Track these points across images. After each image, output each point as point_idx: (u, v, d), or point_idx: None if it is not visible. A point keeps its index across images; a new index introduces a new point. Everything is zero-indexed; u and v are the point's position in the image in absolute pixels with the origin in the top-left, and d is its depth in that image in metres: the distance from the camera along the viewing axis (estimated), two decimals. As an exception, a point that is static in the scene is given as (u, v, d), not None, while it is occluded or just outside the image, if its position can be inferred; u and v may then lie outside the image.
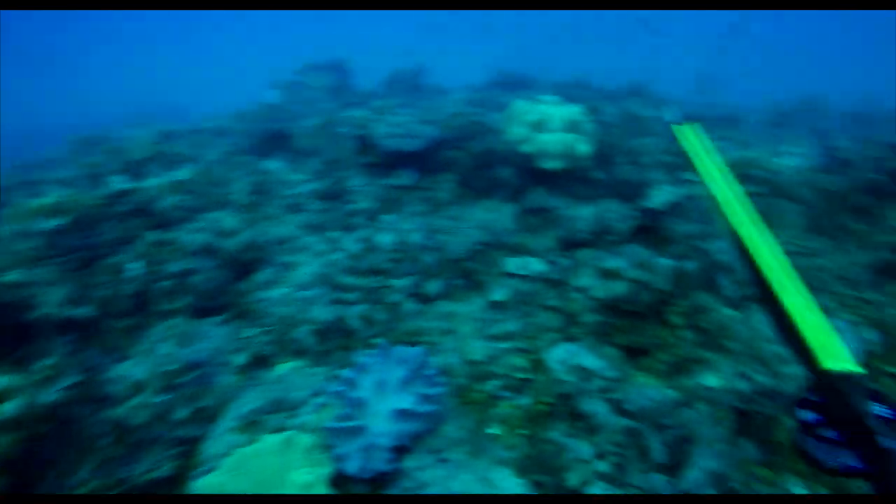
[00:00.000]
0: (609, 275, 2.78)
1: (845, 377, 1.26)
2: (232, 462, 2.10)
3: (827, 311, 1.22)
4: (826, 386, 1.27)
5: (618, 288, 2.67)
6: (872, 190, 3.49)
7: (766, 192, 3.82)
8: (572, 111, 3.76)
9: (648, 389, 2.57)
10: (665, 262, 2.78)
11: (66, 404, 2.47)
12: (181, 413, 2.57)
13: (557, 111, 3.87)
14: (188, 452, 2.49)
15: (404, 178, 4.26)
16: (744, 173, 3.99)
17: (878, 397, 1.30)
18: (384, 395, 2.22)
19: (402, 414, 2.13)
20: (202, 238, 3.44)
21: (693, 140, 2.75)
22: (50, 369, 2.49)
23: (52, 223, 3.14)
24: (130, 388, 2.64)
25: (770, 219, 3.69)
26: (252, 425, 2.41)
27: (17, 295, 2.77)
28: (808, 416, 1.30)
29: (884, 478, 1.13)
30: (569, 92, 8.01)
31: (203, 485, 2.02)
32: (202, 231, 3.54)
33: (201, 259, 3.34)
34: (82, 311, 2.90)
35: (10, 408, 2.08)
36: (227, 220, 3.79)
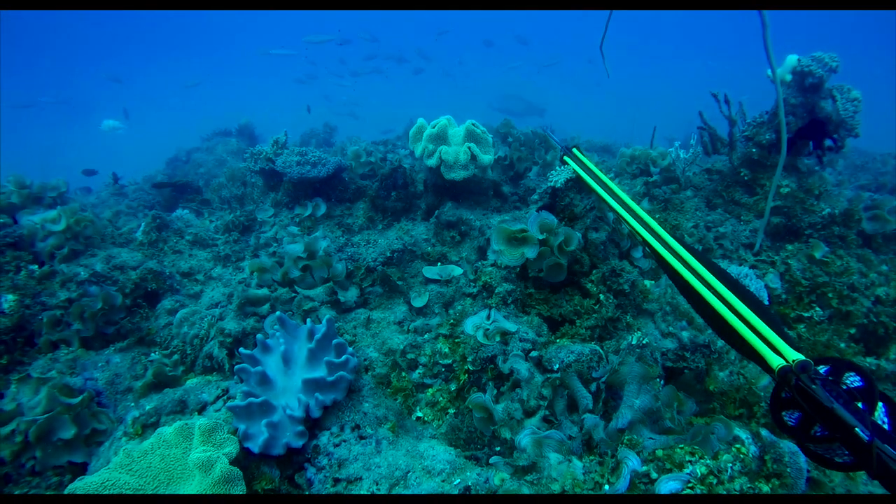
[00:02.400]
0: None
1: (799, 369, 1.32)
2: (120, 459, 1.86)
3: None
4: (788, 385, 1.34)
5: (528, 252, 2.74)
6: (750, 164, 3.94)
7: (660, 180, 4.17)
8: (467, 123, 3.99)
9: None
10: (571, 230, 2.90)
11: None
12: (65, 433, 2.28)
13: (458, 128, 4.10)
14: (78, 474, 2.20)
15: (311, 208, 4.25)
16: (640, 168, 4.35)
17: (846, 367, 1.37)
18: (292, 370, 2.10)
19: (313, 383, 2.02)
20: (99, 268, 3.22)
21: (579, 157, 3.03)
22: None
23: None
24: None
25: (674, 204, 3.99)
26: (148, 427, 2.18)
27: None
28: (793, 417, 1.40)
29: (874, 469, 1.18)
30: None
31: (77, 486, 1.76)
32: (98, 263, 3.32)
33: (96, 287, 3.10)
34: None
35: None
36: (125, 255, 3.58)
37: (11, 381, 2.62)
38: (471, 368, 2.51)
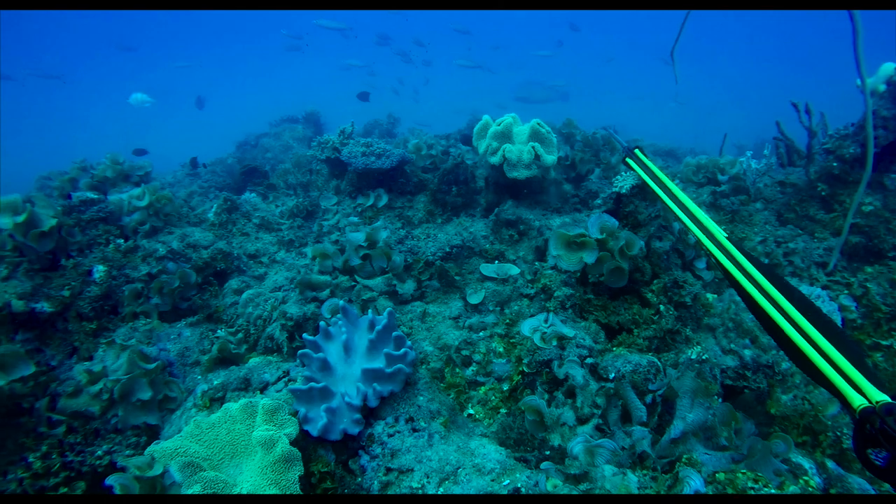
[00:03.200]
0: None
1: (884, 412, 1.25)
2: (190, 429, 1.99)
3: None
4: (873, 426, 1.27)
5: (587, 257, 2.71)
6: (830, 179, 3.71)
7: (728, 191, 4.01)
8: (532, 122, 3.96)
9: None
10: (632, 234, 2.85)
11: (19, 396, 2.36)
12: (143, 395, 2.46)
13: (523, 126, 4.08)
14: (155, 436, 2.38)
15: (373, 198, 4.35)
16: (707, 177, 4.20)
17: None
18: (352, 359, 2.17)
19: (372, 373, 2.08)
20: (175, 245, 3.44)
21: (643, 159, 2.94)
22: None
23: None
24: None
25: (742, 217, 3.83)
26: (215, 401, 2.32)
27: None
28: (880, 457, 1.29)
29: None
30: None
31: (155, 449, 1.90)
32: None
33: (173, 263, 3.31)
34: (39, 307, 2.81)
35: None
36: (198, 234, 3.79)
37: (100, 344, 2.85)
38: (526, 370, 2.51)
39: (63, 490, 2.11)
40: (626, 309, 2.90)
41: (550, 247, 2.82)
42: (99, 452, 2.24)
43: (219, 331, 3.11)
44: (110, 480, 1.73)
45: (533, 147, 3.89)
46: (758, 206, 4.00)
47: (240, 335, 3.04)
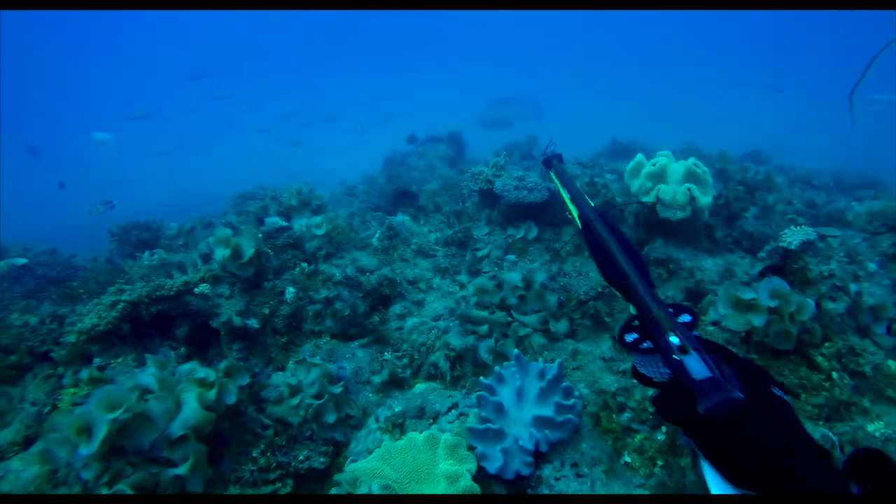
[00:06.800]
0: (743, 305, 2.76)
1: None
2: (381, 452, 2.29)
3: None
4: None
5: (755, 320, 2.64)
6: None
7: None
8: (688, 163, 3.88)
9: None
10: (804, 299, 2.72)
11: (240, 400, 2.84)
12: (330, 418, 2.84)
13: (677, 164, 4.01)
14: (339, 448, 2.75)
15: (524, 230, 4.52)
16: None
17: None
18: (523, 404, 2.35)
19: (543, 421, 2.24)
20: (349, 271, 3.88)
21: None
22: (228, 370, 2.89)
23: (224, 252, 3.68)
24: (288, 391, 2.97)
25: None
26: (397, 427, 2.63)
27: (206, 304, 3.29)
28: (631, 337, 1.99)
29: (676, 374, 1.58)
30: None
31: (354, 468, 2.22)
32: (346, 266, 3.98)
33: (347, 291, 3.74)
34: (250, 323, 3.35)
35: (212, 394, 2.45)
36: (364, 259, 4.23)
37: (290, 356, 3.33)
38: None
39: (278, 486, 2.53)
40: (791, 371, 2.78)
41: (718, 305, 2.78)
42: (301, 457, 2.64)
43: (386, 353, 3.46)
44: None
45: (688, 189, 3.82)
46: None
47: (405, 360, 3.35)
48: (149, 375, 2.50)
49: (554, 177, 3.08)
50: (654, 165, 3.94)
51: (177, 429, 2.36)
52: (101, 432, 2.15)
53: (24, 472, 2.28)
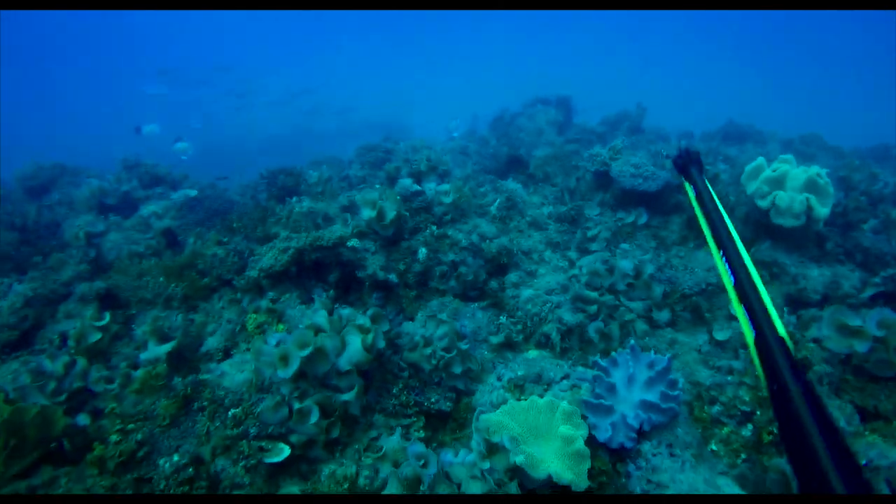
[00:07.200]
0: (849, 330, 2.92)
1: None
2: (507, 408, 2.79)
3: None
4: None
5: (858, 346, 2.82)
6: None
7: None
8: (812, 172, 3.89)
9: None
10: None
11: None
12: (457, 369, 3.37)
13: (798, 170, 4.02)
14: (459, 396, 3.30)
15: (634, 215, 4.73)
16: None
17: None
18: (632, 387, 2.74)
19: (649, 405, 2.64)
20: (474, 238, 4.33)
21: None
22: (374, 317, 3.47)
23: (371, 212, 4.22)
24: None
25: None
26: (517, 388, 3.13)
27: (355, 256, 3.89)
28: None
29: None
30: (803, 150, 7.75)
31: (487, 418, 2.73)
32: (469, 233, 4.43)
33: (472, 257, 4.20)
34: (391, 277, 3.91)
35: (369, 338, 3.03)
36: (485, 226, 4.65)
37: (419, 311, 3.88)
38: (775, 430, 2.82)
39: (413, 419, 3.12)
40: (887, 396, 2.93)
41: (822, 325, 2.97)
42: (433, 399, 3.21)
43: (501, 317, 3.93)
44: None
45: (807, 199, 3.86)
46: None
47: (518, 326, 3.81)
48: (321, 317, 3.12)
49: (693, 200, 2.34)
50: (773, 171, 3.99)
51: (344, 363, 2.97)
52: (295, 363, 2.80)
53: (237, 375, 3.01)
